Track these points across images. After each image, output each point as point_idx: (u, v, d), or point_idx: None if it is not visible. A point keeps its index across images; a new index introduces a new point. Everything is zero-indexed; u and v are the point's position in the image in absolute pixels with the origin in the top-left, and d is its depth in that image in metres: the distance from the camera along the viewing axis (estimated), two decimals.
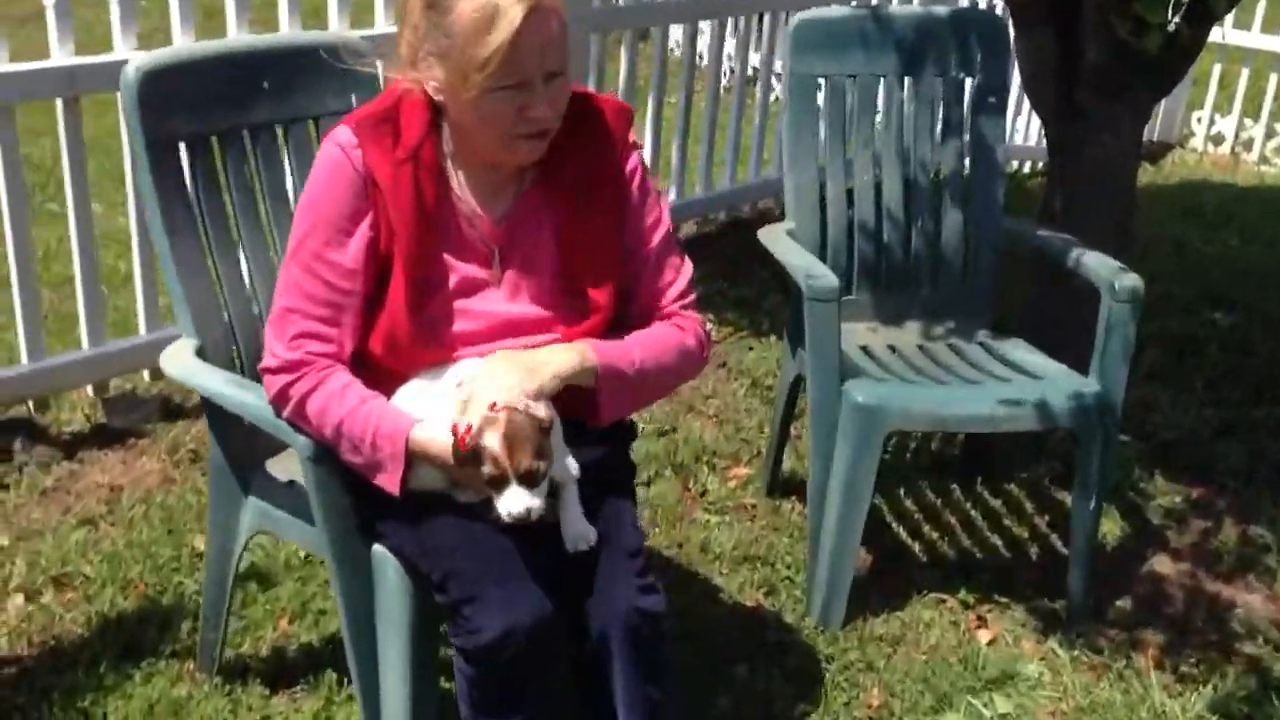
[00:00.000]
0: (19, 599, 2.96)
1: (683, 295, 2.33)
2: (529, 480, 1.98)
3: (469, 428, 1.97)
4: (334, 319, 2.13)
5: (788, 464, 3.72)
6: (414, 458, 2.08)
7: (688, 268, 2.35)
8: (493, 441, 1.96)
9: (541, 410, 2.02)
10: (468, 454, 1.98)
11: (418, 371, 2.18)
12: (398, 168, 2.10)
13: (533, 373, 2.07)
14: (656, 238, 2.30)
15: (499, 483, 1.98)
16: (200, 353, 2.43)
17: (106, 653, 2.77)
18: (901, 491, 3.68)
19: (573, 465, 2.14)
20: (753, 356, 4.49)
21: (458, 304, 2.17)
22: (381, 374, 2.17)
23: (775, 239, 3.29)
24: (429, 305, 2.15)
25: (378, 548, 2.26)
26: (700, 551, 3.34)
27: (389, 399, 2.15)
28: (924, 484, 3.74)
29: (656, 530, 3.41)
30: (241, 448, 2.49)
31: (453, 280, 2.17)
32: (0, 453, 3.58)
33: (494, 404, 1.98)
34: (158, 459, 3.61)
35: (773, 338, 4.61)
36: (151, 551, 3.14)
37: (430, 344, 2.15)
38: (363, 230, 2.12)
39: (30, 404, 3.77)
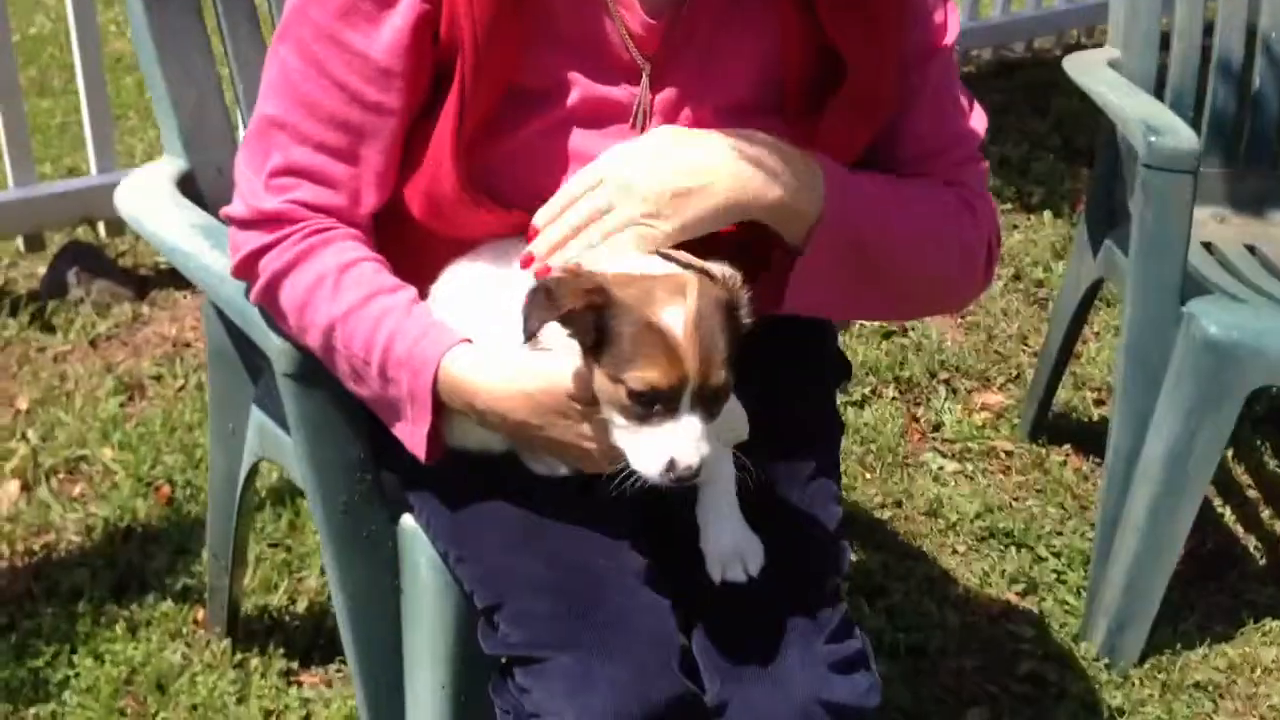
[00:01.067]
0: (13, 487, 2.26)
1: (970, 158, 1.37)
2: (710, 406, 1.08)
3: (590, 280, 1.09)
4: (346, 150, 1.23)
5: (1064, 397, 2.67)
6: (451, 400, 1.18)
7: (979, 114, 1.37)
8: (673, 320, 1.06)
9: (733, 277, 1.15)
10: (586, 338, 1.09)
11: (478, 246, 1.26)
12: None
13: (743, 192, 1.19)
14: (936, 61, 1.31)
15: (652, 400, 1.07)
16: (187, 182, 1.57)
17: (99, 581, 2.04)
18: (1240, 469, 2.57)
19: (738, 417, 1.21)
20: (1018, 239, 3.39)
21: (571, 142, 1.23)
22: (427, 251, 1.26)
23: (1093, 72, 2.20)
24: (505, 139, 1.22)
25: (407, 521, 1.39)
26: (926, 515, 2.37)
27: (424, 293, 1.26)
28: (1271, 456, 2.62)
29: (866, 477, 2.44)
30: None
31: (564, 102, 1.23)
32: (55, 285, 2.88)
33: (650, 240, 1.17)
34: None
35: (1046, 214, 3.50)
36: (191, 441, 2.38)
37: (496, 203, 1.22)
38: (410, 2, 1.18)
39: (101, 225, 3.05)
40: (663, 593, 1.22)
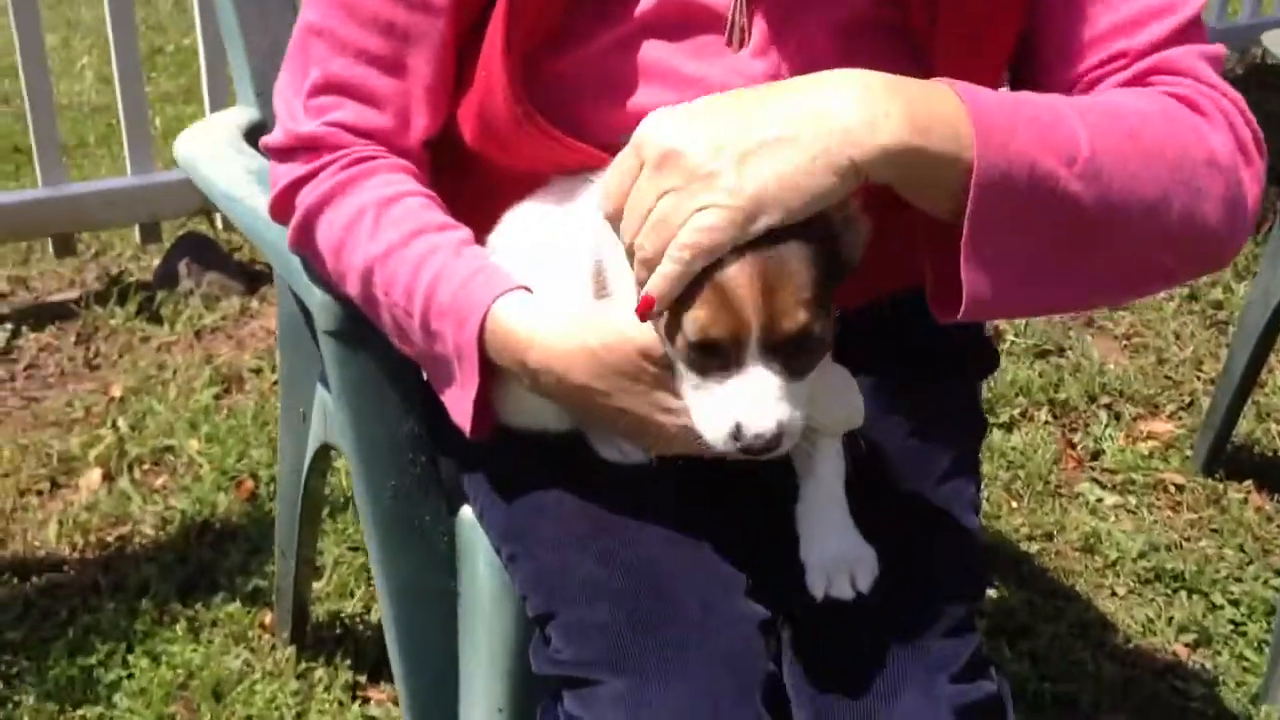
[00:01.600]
0: (95, 476, 2.15)
1: (1183, 32, 1.00)
2: (790, 359, 0.85)
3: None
4: (391, 58, 1.05)
5: (1246, 428, 2.36)
6: (500, 357, 0.98)
7: None
8: (738, 276, 0.84)
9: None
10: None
11: (546, 181, 1.06)
12: None
13: (843, 137, 0.84)
14: None
15: (714, 352, 0.86)
16: (257, 132, 1.43)
17: (166, 578, 1.91)
18: None
19: (855, 405, 0.98)
20: None
21: (648, 56, 1.02)
22: (490, 191, 1.08)
23: None
24: (569, 53, 1.02)
25: (466, 513, 1.20)
26: (1081, 551, 2.08)
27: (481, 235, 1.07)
28: None
29: (1012, 506, 2.17)
30: None
31: (639, 7, 1.02)
32: (166, 276, 2.81)
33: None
34: None
35: None
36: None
37: (561, 129, 1.02)
38: None
39: (219, 218, 2.99)
40: (750, 606, 1.00)
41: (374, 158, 1.06)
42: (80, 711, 1.66)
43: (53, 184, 2.81)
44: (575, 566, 1.02)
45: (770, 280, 0.83)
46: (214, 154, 1.35)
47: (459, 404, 1.03)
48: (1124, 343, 2.74)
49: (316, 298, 1.14)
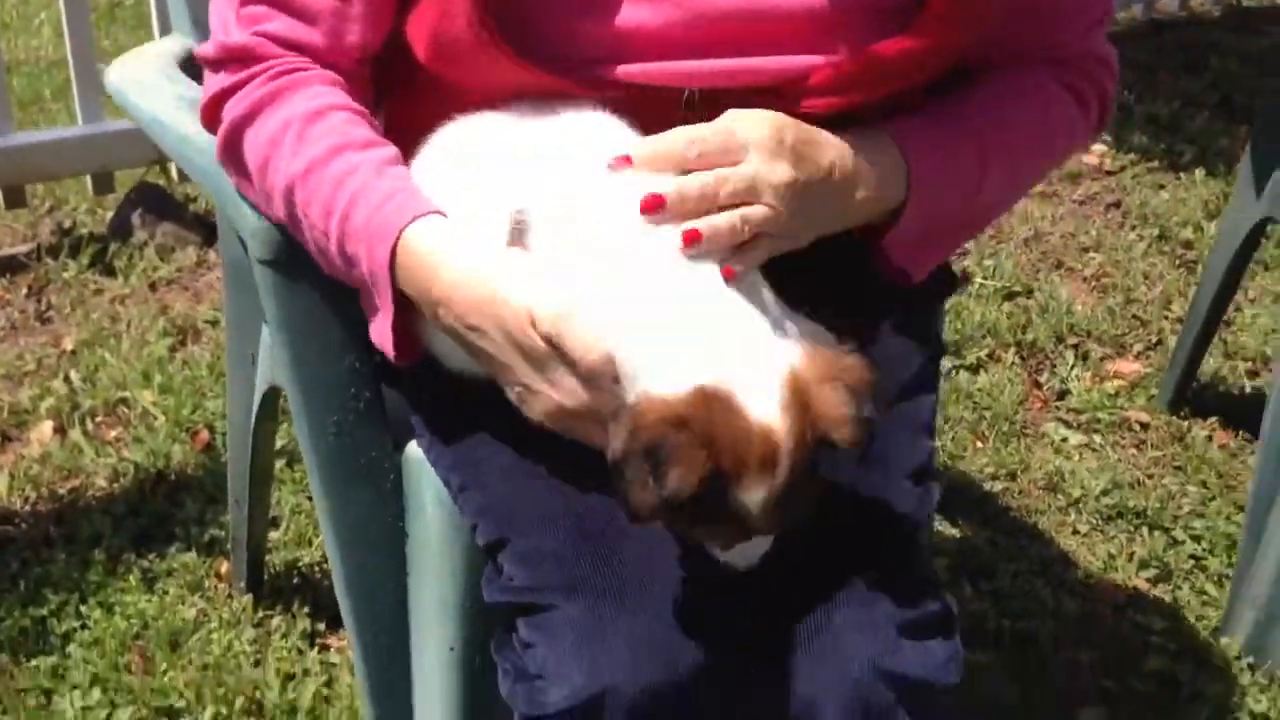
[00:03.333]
0: (46, 429, 2.12)
1: (1099, 22, 1.13)
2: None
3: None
4: None
5: (1212, 366, 2.36)
6: (407, 285, 0.96)
7: None
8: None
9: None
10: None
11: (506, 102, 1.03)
12: None
13: (861, 178, 1.00)
14: None
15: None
16: (192, 63, 1.39)
17: (120, 530, 1.88)
18: None
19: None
20: (1164, 199, 3.06)
21: None
22: (442, 108, 1.04)
23: None
24: None
25: (413, 449, 1.18)
26: (1044, 490, 2.08)
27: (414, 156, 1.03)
28: None
29: (977, 446, 2.16)
30: None
31: None
32: (120, 227, 2.76)
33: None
34: None
35: (1198, 173, 3.16)
36: None
37: (525, 52, 0.98)
38: None
39: (174, 168, 2.93)
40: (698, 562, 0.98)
41: (303, 68, 1.02)
42: (34, 662, 1.63)
43: (0, 134, 2.75)
44: (527, 493, 1.00)
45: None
46: (145, 81, 1.31)
47: (380, 330, 1.00)
48: (1093, 283, 2.73)
49: (249, 224, 1.10)
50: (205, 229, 2.80)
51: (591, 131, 0.96)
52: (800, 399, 0.85)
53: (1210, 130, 3.39)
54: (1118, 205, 3.05)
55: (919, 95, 1.06)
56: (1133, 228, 2.94)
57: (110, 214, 2.82)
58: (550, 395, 0.91)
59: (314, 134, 0.98)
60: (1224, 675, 1.73)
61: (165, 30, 2.79)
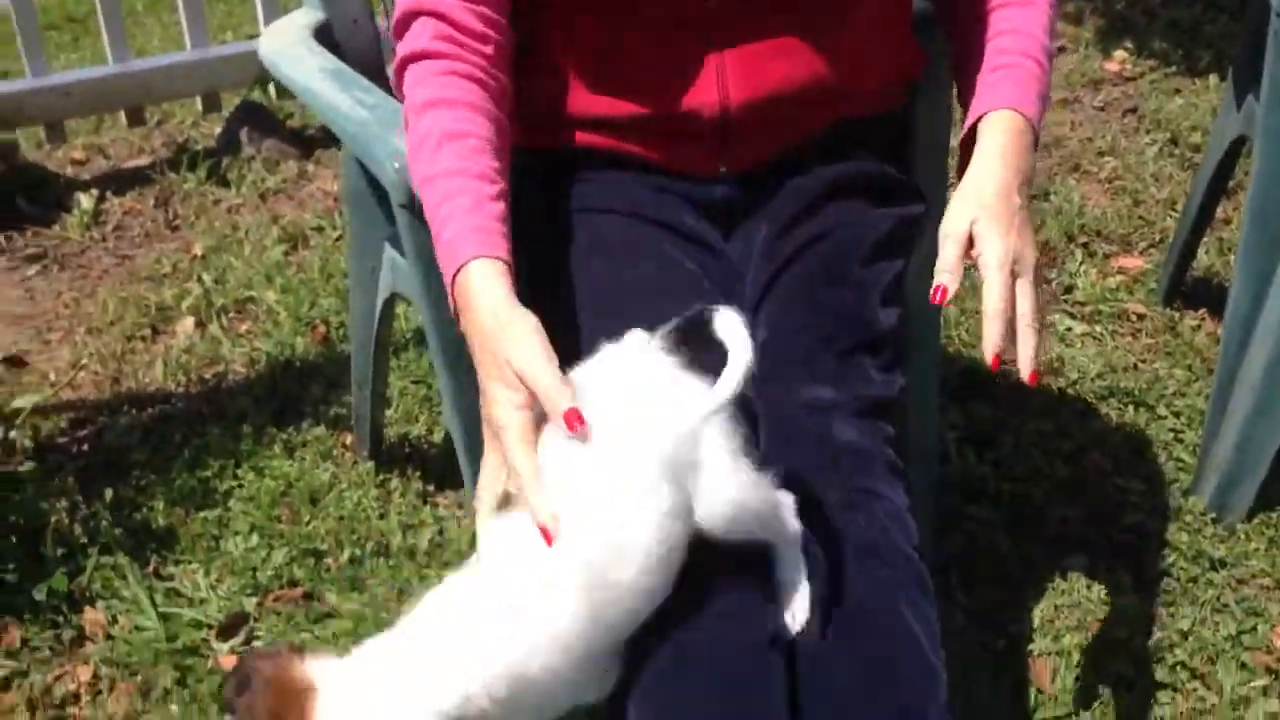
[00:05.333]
0: (189, 323, 2.48)
1: None
2: None
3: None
4: None
5: (1205, 261, 2.62)
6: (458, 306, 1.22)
7: None
8: None
9: None
10: None
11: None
12: None
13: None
14: None
15: None
16: (324, 32, 1.70)
17: (261, 407, 2.24)
18: None
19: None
20: (1178, 105, 3.28)
21: None
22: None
23: None
24: None
25: None
26: (1047, 373, 2.38)
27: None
28: None
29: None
30: None
31: None
32: (229, 142, 3.10)
33: None
34: None
35: (1212, 79, 3.36)
36: (345, 287, 2.55)
37: None
38: None
39: (272, 88, 3.25)
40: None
41: (452, 56, 1.24)
42: (202, 514, 2.01)
43: (121, 60, 3.07)
44: None
45: None
46: (291, 54, 1.63)
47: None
48: (1106, 185, 2.99)
49: (389, 178, 1.42)
50: (303, 144, 3.13)
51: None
52: None
53: (1228, 34, 3.58)
54: (1134, 110, 3.28)
55: None
56: (1147, 132, 3.18)
57: (219, 130, 3.15)
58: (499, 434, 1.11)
59: (449, 151, 1.21)
60: (1190, 529, 2.04)
61: None
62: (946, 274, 1.22)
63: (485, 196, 1.20)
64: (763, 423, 1.26)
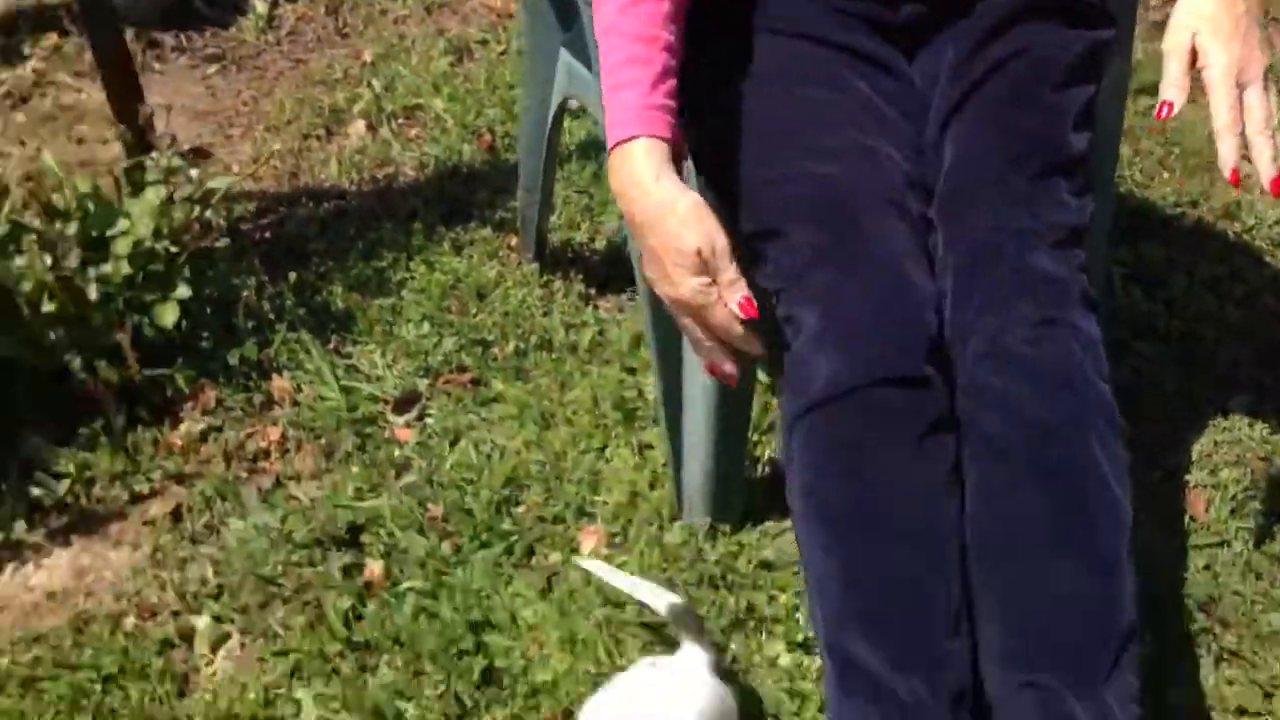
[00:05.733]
0: (360, 125, 2.55)
1: None
2: None
3: None
4: None
5: None
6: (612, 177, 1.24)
7: None
8: None
9: None
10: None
11: None
12: None
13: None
14: None
15: None
16: None
17: (430, 208, 2.31)
18: None
19: None
20: None
21: None
22: None
23: None
24: None
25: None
26: (1223, 217, 2.31)
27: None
28: None
29: (1164, 177, 2.39)
30: None
31: None
32: None
33: None
34: None
35: None
36: (510, 99, 2.59)
37: None
38: None
39: None
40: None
41: None
42: (377, 301, 2.09)
43: None
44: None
45: None
46: None
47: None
48: None
49: None
50: None
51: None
52: None
53: None
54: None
55: None
56: None
57: None
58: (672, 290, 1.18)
59: (635, 13, 1.21)
60: None
61: None
62: (1173, 89, 1.19)
63: (665, 71, 1.21)
64: (946, 244, 1.25)
